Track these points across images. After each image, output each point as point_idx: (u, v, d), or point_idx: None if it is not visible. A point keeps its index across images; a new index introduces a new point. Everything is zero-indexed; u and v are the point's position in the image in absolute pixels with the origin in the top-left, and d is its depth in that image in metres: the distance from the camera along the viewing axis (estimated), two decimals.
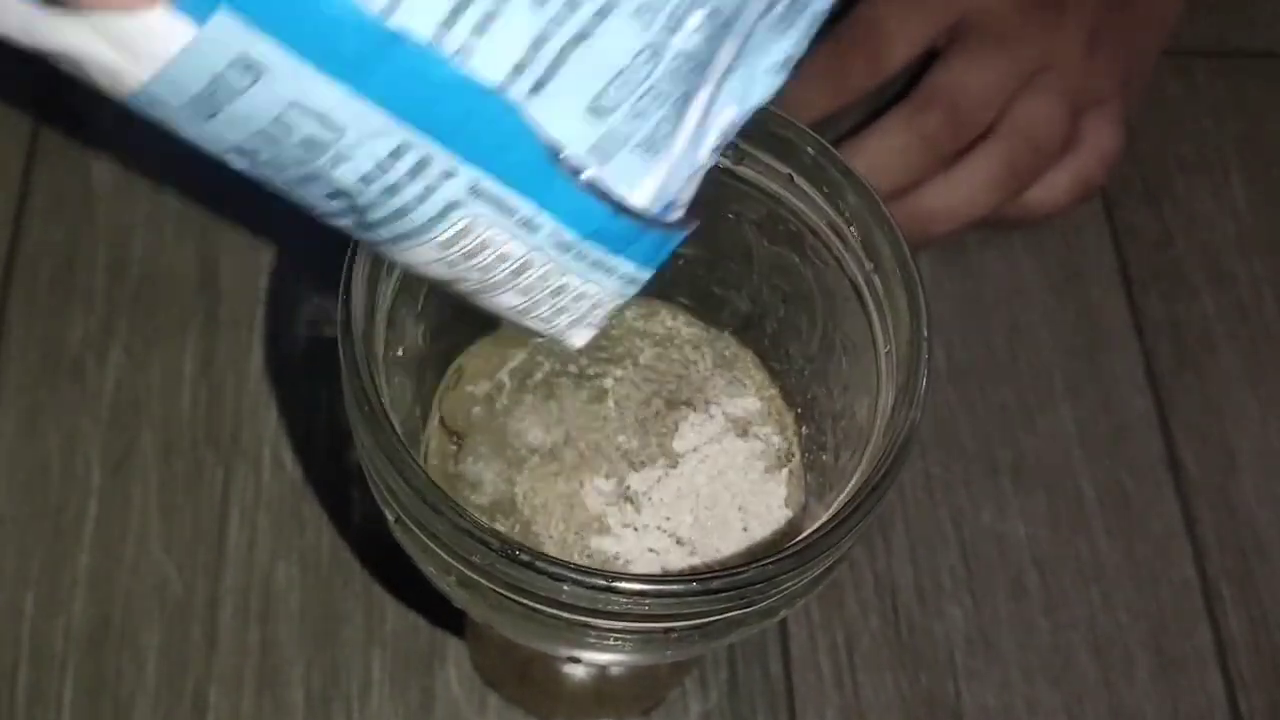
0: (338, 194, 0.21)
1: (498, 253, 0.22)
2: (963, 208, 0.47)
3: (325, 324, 0.47)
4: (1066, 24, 0.48)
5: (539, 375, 0.35)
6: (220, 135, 0.20)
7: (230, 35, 0.18)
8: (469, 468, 0.33)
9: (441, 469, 0.33)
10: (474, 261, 0.22)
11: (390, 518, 0.29)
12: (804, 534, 0.27)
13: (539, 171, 0.21)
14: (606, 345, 0.35)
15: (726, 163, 0.31)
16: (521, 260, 0.22)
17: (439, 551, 0.27)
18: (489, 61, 0.20)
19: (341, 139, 0.20)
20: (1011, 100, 0.47)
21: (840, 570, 0.44)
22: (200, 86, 0.19)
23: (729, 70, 0.23)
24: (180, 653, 0.42)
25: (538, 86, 0.20)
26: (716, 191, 0.32)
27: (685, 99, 0.22)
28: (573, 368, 0.35)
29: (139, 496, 0.44)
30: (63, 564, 0.43)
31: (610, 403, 0.34)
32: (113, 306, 0.47)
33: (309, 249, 0.49)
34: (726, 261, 0.34)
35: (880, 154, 0.46)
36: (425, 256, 0.22)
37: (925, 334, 0.28)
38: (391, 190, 0.21)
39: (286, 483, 0.45)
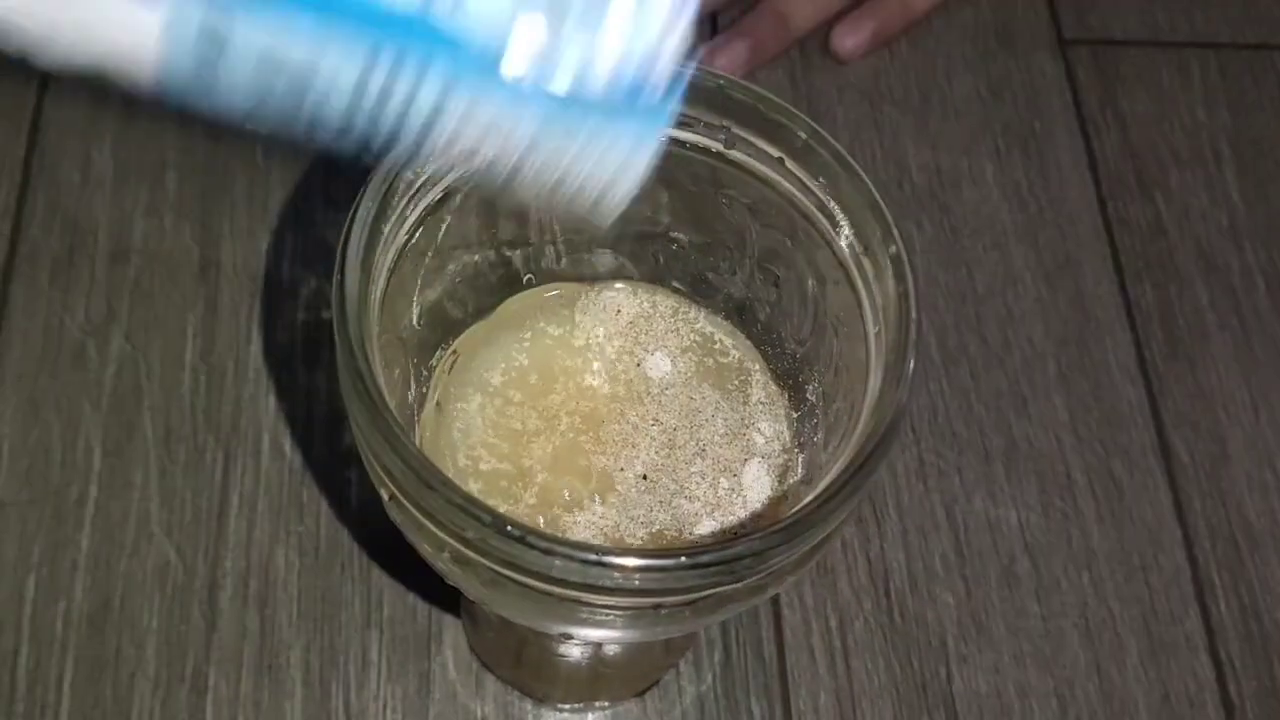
0: (348, 117, 0.22)
1: (499, 138, 0.23)
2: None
3: (324, 309, 0.47)
4: None
5: (527, 360, 0.35)
6: (233, 95, 0.21)
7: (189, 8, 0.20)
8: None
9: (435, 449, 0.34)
10: (485, 151, 0.23)
11: (385, 496, 0.29)
12: (792, 511, 0.27)
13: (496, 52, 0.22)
14: (594, 328, 0.36)
15: (718, 146, 0.32)
16: (519, 141, 0.23)
17: (432, 528, 0.27)
18: None
19: (323, 59, 0.21)
20: None
21: (830, 550, 0.44)
22: (190, 61, 0.20)
23: None
24: (180, 635, 0.42)
25: None
26: (709, 176, 0.33)
27: None
28: (565, 353, 0.35)
29: (139, 481, 0.44)
30: (64, 548, 0.43)
31: (605, 389, 0.35)
32: (114, 293, 0.48)
33: (308, 235, 0.49)
34: (720, 246, 0.35)
35: None
36: (448, 153, 0.23)
37: (914, 315, 0.29)
38: (385, 97, 0.21)
39: (286, 468, 0.45)
